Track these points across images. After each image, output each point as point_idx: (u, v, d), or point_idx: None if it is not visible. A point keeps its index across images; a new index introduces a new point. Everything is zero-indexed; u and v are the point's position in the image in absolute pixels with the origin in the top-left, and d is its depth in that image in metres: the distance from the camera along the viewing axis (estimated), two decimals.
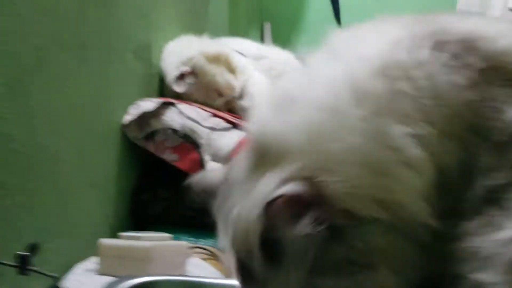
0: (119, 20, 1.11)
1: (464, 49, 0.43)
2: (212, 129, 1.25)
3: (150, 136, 1.19)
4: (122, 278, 0.72)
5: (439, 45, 0.43)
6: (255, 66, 1.63)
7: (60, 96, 0.82)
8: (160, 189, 1.23)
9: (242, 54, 1.61)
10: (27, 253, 0.55)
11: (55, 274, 0.56)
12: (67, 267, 0.84)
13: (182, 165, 1.18)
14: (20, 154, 0.70)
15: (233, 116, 1.36)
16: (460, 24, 0.46)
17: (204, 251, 1.06)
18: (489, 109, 0.41)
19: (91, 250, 0.95)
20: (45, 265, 0.60)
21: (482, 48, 0.44)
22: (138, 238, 0.84)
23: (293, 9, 2.77)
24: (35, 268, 0.55)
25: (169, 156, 1.19)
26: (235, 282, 0.85)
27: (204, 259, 1.01)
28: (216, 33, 1.71)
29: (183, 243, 0.90)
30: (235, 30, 2.16)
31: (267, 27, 2.73)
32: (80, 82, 0.90)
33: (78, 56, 0.89)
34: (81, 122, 0.91)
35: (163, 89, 1.45)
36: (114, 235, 0.91)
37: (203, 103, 1.38)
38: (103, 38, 1.01)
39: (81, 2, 0.90)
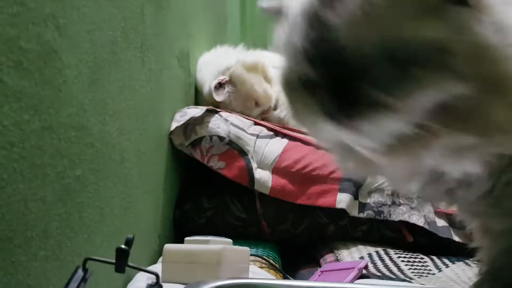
0: (170, 24, 1.10)
1: None
2: (257, 136, 1.22)
3: (196, 143, 1.16)
4: (202, 282, 0.68)
5: None
6: None
7: (126, 94, 0.79)
8: (203, 199, 1.19)
9: (273, 67, 1.60)
10: (126, 248, 0.51)
11: (155, 271, 0.52)
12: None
13: (229, 172, 1.15)
14: (95, 148, 0.67)
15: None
16: None
17: (259, 259, 1.01)
18: None
19: (144, 258, 0.91)
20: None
21: None
22: (206, 242, 0.80)
23: None
24: (133, 265, 0.52)
25: (216, 164, 1.15)
26: (308, 283, 0.81)
27: (260, 267, 0.97)
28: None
29: (246, 249, 0.86)
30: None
31: None
32: (141, 82, 0.87)
33: (139, 55, 0.86)
34: (140, 124, 0.88)
35: (198, 100, 1.43)
36: (161, 245, 0.87)
37: (241, 112, 1.36)
38: (158, 40, 0.99)
39: (142, 1, 0.88)
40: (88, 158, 0.65)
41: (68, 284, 0.49)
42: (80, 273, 0.50)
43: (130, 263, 0.52)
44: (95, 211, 0.68)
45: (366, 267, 0.94)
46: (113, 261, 0.51)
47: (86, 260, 0.51)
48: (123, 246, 0.51)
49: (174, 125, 1.13)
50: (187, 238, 0.83)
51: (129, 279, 0.78)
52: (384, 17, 0.43)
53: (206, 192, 1.20)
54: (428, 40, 0.42)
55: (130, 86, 0.82)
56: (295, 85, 0.49)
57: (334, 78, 0.44)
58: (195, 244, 0.80)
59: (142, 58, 0.89)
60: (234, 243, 1.13)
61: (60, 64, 0.57)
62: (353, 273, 0.91)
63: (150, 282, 0.53)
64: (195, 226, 1.18)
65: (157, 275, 0.52)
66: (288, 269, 1.08)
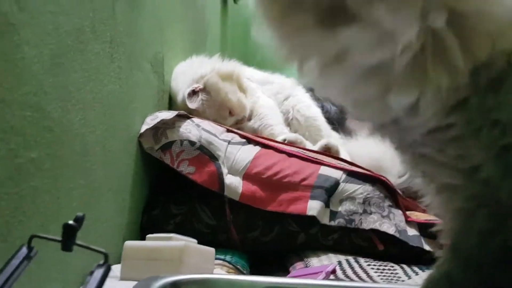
0: (143, 26, 1.10)
1: None
2: (229, 142, 1.21)
3: (166, 147, 1.14)
4: (155, 277, 0.66)
5: None
6: (262, 90, 1.63)
7: (92, 86, 0.78)
8: (172, 205, 1.17)
9: (248, 79, 1.61)
10: (75, 224, 0.49)
11: (103, 250, 0.50)
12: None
13: (199, 177, 1.13)
14: (54, 134, 0.65)
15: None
16: None
17: (226, 263, 0.99)
18: None
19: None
20: None
21: None
22: (168, 239, 0.78)
23: None
24: (81, 243, 0.49)
25: (186, 168, 1.13)
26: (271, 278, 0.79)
27: (227, 271, 0.95)
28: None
29: (211, 249, 0.84)
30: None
31: None
32: (110, 78, 0.86)
33: (108, 50, 0.86)
34: (107, 119, 0.86)
35: (171, 108, 1.42)
36: None
37: (214, 121, 1.35)
38: (129, 39, 0.98)
39: None
40: (45, 141, 0.63)
41: (9, 261, 0.47)
42: (24, 250, 0.48)
43: (78, 242, 0.49)
44: (51, 199, 0.66)
45: (334, 271, 0.93)
46: (60, 238, 0.48)
47: (31, 238, 0.49)
48: (71, 222, 0.49)
49: (144, 128, 1.11)
50: (149, 236, 0.81)
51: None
52: None
53: (175, 198, 1.17)
54: None
55: (97, 79, 0.81)
56: None
57: None
58: (156, 241, 0.78)
59: (111, 54, 0.88)
60: None
61: (17, 39, 0.55)
62: (321, 276, 0.89)
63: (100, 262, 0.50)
64: (163, 232, 1.14)
65: (106, 254, 0.50)
66: None
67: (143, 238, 1.14)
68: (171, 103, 1.42)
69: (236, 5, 2.59)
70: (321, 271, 0.91)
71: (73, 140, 0.72)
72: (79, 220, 0.50)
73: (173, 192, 1.18)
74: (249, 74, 1.66)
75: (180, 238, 0.80)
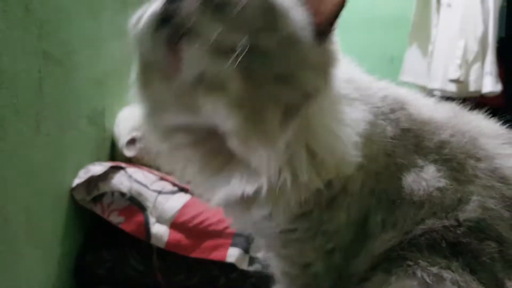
0: (75, 89, 1.20)
1: None
2: (159, 192, 1.32)
3: (98, 198, 1.24)
4: None
5: None
6: None
7: (14, 163, 0.88)
8: (104, 251, 1.27)
9: None
10: None
11: None
12: None
13: (127, 227, 1.24)
14: None
15: None
16: None
17: None
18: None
19: None
20: None
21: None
22: None
23: None
24: None
25: (115, 219, 1.24)
26: None
27: None
28: None
29: None
30: None
31: None
32: (34, 149, 0.96)
33: (34, 125, 0.96)
34: (32, 186, 0.96)
35: (114, 153, 1.52)
36: None
37: (153, 166, 1.46)
38: (59, 107, 1.08)
39: (40, 75, 0.98)
40: None
41: None
42: None
43: None
44: None
45: None
46: None
47: None
48: None
49: (76, 182, 1.21)
50: None
51: None
52: None
53: (106, 244, 1.28)
54: None
55: (21, 155, 0.91)
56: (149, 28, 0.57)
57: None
58: None
59: (37, 126, 0.98)
60: None
61: None
62: None
63: None
64: (96, 276, 1.25)
65: None
66: None
67: (77, 281, 1.25)
68: (114, 148, 1.53)
69: None
70: None
71: None
72: None
73: (106, 238, 1.29)
74: None
75: None
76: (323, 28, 0.57)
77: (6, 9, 0.86)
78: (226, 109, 0.55)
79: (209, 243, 1.26)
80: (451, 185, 0.63)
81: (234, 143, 0.57)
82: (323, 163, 0.61)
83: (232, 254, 1.24)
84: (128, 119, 1.53)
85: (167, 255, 1.25)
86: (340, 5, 0.56)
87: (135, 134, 1.47)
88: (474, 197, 0.62)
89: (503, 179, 0.64)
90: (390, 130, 0.64)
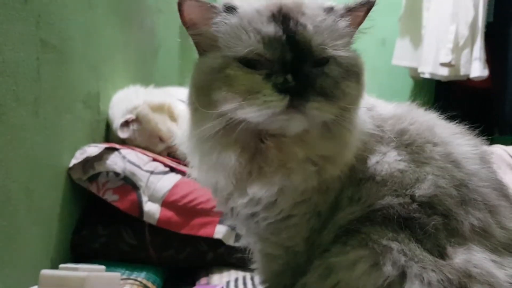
0: (71, 74, 1.26)
1: None
2: (151, 172, 1.40)
3: (94, 178, 1.32)
4: None
5: None
6: None
7: (14, 145, 0.95)
8: (99, 227, 1.35)
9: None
10: None
11: None
12: None
13: (121, 205, 1.32)
14: None
15: (172, 160, 1.52)
16: None
17: (136, 282, 1.18)
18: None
19: (32, 280, 1.06)
20: None
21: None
22: (75, 269, 0.96)
23: None
24: None
25: (110, 197, 1.32)
26: None
27: None
28: (164, 82, 1.88)
29: (116, 274, 1.03)
30: (185, 79, 2.34)
31: None
32: (33, 132, 1.03)
33: (32, 110, 1.03)
34: (32, 166, 1.04)
35: (109, 134, 1.59)
36: (55, 268, 1.03)
37: (146, 148, 1.54)
38: (56, 92, 1.15)
39: (38, 63, 1.05)
40: None
41: None
42: None
43: None
44: None
45: None
46: None
47: None
48: None
49: (73, 162, 1.29)
50: (61, 265, 0.99)
51: None
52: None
53: (102, 220, 1.36)
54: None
55: (21, 138, 0.98)
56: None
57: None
58: (66, 271, 0.96)
59: (36, 111, 1.05)
60: (125, 267, 1.30)
61: None
62: None
63: None
64: (91, 250, 1.34)
65: None
66: None
67: (74, 255, 1.33)
68: (108, 130, 1.60)
69: None
70: None
71: None
72: None
73: (101, 215, 1.37)
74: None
75: (87, 268, 0.98)
76: None
77: (6, 2, 0.93)
78: None
79: (198, 220, 1.34)
80: (410, 166, 0.72)
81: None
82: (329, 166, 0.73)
83: (220, 231, 1.33)
84: (122, 102, 1.60)
85: (159, 232, 1.34)
86: None
87: (128, 116, 1.54)
88: (429, 176, 0.71)
89: (454, 163, 0.73)
90: (369, 125, 0.76)
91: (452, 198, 0.71)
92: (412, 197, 0.71)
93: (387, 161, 0.74)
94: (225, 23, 0.67)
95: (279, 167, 0.70)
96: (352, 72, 0.69)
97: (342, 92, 0.67)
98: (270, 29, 0.64)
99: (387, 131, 0.76)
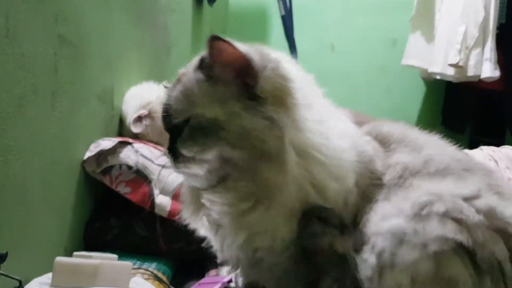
0: (86, 70, 1.30)
1: None
2: (163, 166, 1.43)
3: (107, 170, 1.36)
4: None
5: None
6: None
7: (32, 137, 0.99)
8: (112, 219, 1.39)
9: None
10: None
11: (18, 278, 0.72)
12: (25, 281, 0.98)
13: (134, 197, 1.35)
14: None
15: None
16: None
17: (147, 272, 1.22)
18: None
19: (47, 267, 1.10)
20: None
21: None
22: (89, 257, 1.00)
23: None
24: (1, 272, 0.71)
25: (123, 189, 1.36)
26: None
27: (146, 279, 1.18)
28: None
29: (128, 263, 1.06)
30: None
31: None
32: (50, 125, 1.07)
33: (50, 103, 1.07)
34: (48, 158, 1.08)
35: (122, 129, 1.63)
36: (69, 256, 1.07)
37: (157, 143, 1.57)
38: (72, 87, 1.19)
39: (56, 58, 1.09)
40: None
41: None
42: None
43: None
44: None
45: (230, 281, 1.16)
46: None
47: None
48: None
49: (87, 155, 1.33)
50: (75, 253, 1.03)
51: None
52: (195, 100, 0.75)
53: (114, 213, 1.40)
54: (209, 118, 0.73)
55: (38, 130, 1.02)
56: None
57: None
58: (80, 258, 1.00)
59: (53, 104, 1.09)
60: (137, 258, 1.34)
61: None
62: (217, 286, 1.12)
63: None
64: (104, 242, 1.37)
65: (20, 281, 0.72)
66: (181, 282, 1.30)
67: (86, 245, 1.37)
68: (122, 124, 1.64)
69: (212, 8, 2.73)
70: (219, 281, 1.14)
71: (12, 186, 0.93)
72: (2, 257, 0.72)
73: (114, 208, 1.41)
74: None
75: (100, 256, 1.02)
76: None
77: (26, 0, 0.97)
78: None
79: None
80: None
81: None
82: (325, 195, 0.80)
83: None
84: (135, 98, 1.63)
85: (169, 224, 1.37)
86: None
87: (141, 112, 1.58)
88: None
89: None
90: None
91: None
92: None
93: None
94: None
95: None
96: None
97: None
98: None
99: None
